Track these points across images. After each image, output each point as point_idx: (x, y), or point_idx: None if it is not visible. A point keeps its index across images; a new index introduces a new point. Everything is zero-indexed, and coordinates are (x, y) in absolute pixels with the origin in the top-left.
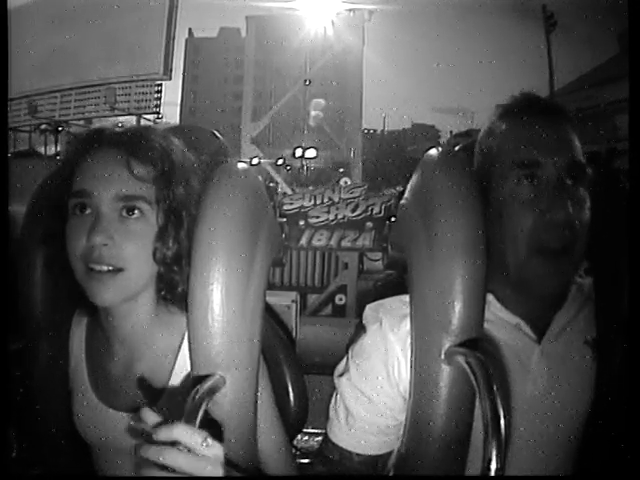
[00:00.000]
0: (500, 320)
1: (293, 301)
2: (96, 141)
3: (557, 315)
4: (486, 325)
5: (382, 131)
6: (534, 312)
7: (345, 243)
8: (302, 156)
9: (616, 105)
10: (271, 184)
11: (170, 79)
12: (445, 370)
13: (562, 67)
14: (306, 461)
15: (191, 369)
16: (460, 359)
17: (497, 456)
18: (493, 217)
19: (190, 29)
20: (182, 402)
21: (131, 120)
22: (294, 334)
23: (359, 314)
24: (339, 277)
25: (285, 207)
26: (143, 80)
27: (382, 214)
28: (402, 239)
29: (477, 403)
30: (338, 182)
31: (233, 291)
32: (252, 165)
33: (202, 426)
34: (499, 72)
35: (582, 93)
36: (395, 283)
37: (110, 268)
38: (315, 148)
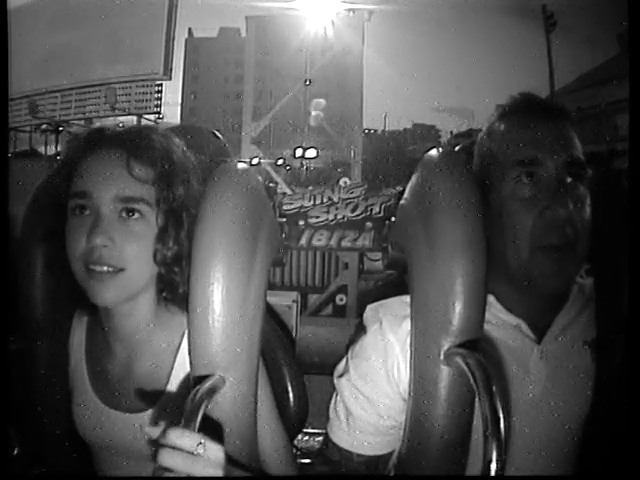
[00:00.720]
0: (500, 321)
1: (294, 301)
2: (96, 141)
3: (558, 316)
4: (486, 326)
5: (382, 131)
6: (535, 313)
7: (345, 243)
8: (302, 156)
9: (616, 105)
10: (271, 184)
11: (170, 79)
12: (445, 371)
13: (562, 67)
14: (307, 461)
15: (191, 369)
16: (460, 360)
17: (497, 456)
18: (493, 217)
19: (190, 29)
20: (182, 402)
21: (132, 120)
22: (294, 334)
23: (359, 314)
24: (339, 277)
25: (285, 207)
26: (143, 80)
27: (382, 214)
28: (402, 239)
29: (477, 403)
30: (338, 182)
31: (233, 291)
32: (252, 165)
33: (202, 426)
34: (499, 72)
35: (582, 93)
36: (395, 283)
37: (110, 269)
38: (315, 148)
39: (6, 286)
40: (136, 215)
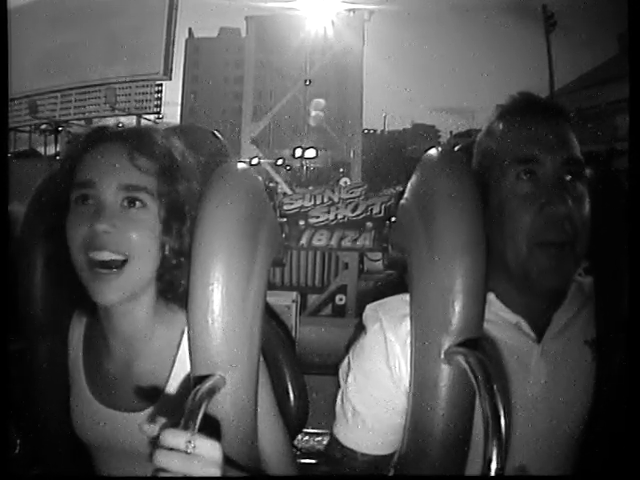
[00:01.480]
0: (500, 319)
1: (293, 301)
2: (99, 137)
3: (556, 314)
4: (486, 324)
5: (382, 131)
6: (534, 310)
7: (345, 243)
8: (302, 156)
9: (616, 105)
10: (271, 184)
11: (170, 79)
12: (445, 370)
13: (562, 67)
14: (307, 461)
15: (191, 369)
16: (460, 359)
17: (497, 456)
18: (493, 215)
19: (190, 29)
20: (182, 402)
21: (131, 120)
22: (294, 334)
23: (359, 314)
24: (339, 277)
25: (285, 207)
26: (143, 80)
27: (382, 214)
28: (402, 239)
29: (477, 403)
30: (338, 182)
31: (233, 291)
32: (252, 165)
33: (202, 426)
34: (499, 72)
35: (582, 93)
36: (395, 283)
37: (112, 257)
38: (315, 148)
39: (6, 286)
40: (138, 204)
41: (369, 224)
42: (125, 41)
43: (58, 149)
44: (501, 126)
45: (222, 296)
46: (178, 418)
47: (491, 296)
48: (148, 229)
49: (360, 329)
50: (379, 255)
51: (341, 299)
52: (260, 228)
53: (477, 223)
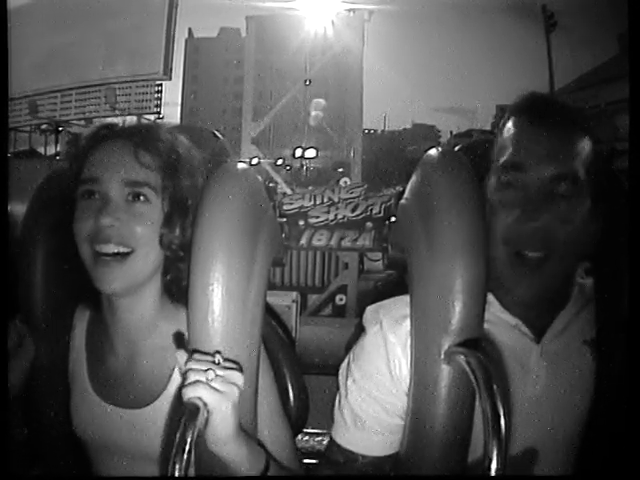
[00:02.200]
0: (500, 320)
1: (293, 301)
2: (105, 134)
3: (559, 315)
4: (486, 325)
5: (382, 131)
6: (531, 313)
7: (345, 243)
8: (302, 156)
9: (616, 105)
10: (271, 184)
11: (170, 79)
12: (445, 370)
13: (562, 67)
14: (308, 461)
15: None
16: (460, 359)
17: (497, 456)
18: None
19: (190, 29)
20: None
21: (131, 120)
22: (294, 334)
23: (359, 314)
24: (339, 277)
25: (285, 207)
26: (143, 80)
27: (382, 214)
28: (402, 239)
29: (477, 403)
30: (338, 182)
31: (233, 291)
32: (252, 165)
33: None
34: (499, 72)
35: (582, 93)
36: (395, 283)
37: (117, 250)
38: (315, 148)
39: (6, 284)
40: (142, 199)
41: (369, 224)
42: (125, 41)
43: (58, 149)
44: (501, 126)
45: (222, 296)
46: (180, 415)
47: (491, 297)
48: (152, 223)
49: (360, 331)
50: (379, 255)
51: (341, 299)
52: (260, 228)
53: (477, 223)
